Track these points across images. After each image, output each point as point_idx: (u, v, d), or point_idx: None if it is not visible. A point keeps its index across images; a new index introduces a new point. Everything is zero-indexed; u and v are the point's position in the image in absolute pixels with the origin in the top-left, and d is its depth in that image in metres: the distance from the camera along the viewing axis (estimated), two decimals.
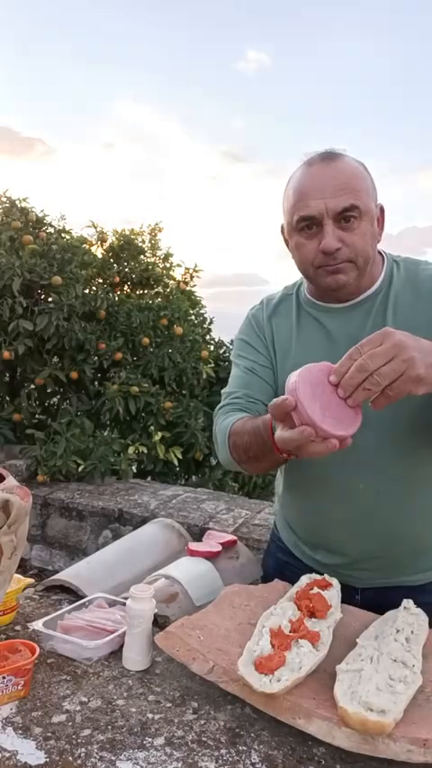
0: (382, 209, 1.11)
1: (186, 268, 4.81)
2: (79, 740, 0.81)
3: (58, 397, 4.16)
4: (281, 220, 1.15)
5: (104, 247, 4.55)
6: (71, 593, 1.28)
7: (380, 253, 1.17)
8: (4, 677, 0.88)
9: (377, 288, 1.12)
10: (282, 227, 1.15)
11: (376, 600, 1.10)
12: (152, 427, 3.98)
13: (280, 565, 1.32)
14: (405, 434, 1.09)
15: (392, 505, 1.10)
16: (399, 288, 1.11)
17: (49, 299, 3.73)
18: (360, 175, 1.06)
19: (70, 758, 0.78)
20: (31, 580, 1.19)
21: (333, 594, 1.03)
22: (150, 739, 0.82)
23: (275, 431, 0.89)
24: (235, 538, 1.43)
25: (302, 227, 1.06)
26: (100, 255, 4.48)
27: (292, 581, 1.10)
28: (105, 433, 3.79)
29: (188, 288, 4.76)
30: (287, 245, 1.15)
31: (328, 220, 1.03)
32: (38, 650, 0.93)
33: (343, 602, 1.08)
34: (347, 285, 1.08)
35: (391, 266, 1.15)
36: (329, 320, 1.15)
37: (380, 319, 1.10)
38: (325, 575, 1.09)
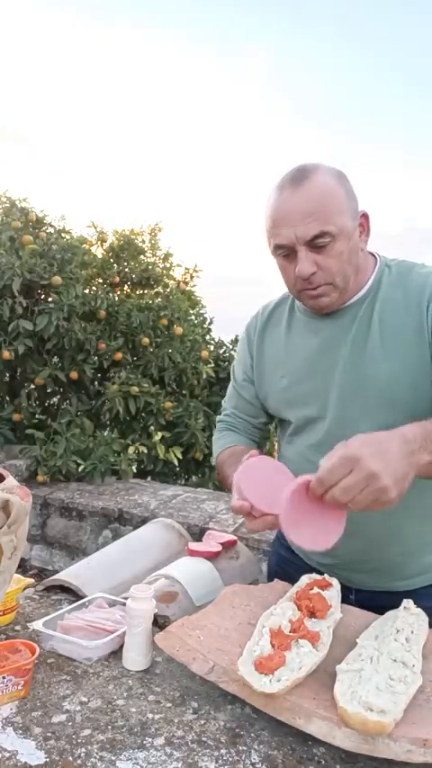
0: (365, 216, 1.09)
1: (186, 268, 4.82)
2: (79, 740, 0.81)
3: (58, 397, 4.16)
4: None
5: (104, 247, 4.56)
6: (71, 593, 1.28)
7: (372, 255, 1.16)
8: (4, 677, 0.88)
9: (364, 293, 1.12)
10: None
11: (371, 601, 1.10)
12: (152, 427, 3.98)
13: (282, 561, 1.33)
14: None
15: (379, 510, 1.09)
16: (387, 293, 1.11)
17: (49, 299, 3.73)
18: (329, 195, 1.03)
19: (70, 758, 0.78)
20: (31, 580, 1.19)
21: (333, 594, 1.03)
22: (150, 739, 0.82)
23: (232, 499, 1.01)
24: (235, 538, 1.43)
25: (279, 253, 1.08)
26: (100, 255, 4.49)
27: (294, 578, 1.11)
28: (105, 433, 3.79)
29: (188, 288, 4.76)
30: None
31: (301, 247, 1.03)
32: (38, 650, 0.93)
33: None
34: (330, 306, 1.10)
35: (382, 271, 1.13)
36: (317, 325, 1.17)
37: (365, 325, 1.10)
38: (325, 575, 1.09)
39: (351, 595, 1.18)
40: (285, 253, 1.06)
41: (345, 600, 1.13)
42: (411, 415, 1.06)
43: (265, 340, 1.27)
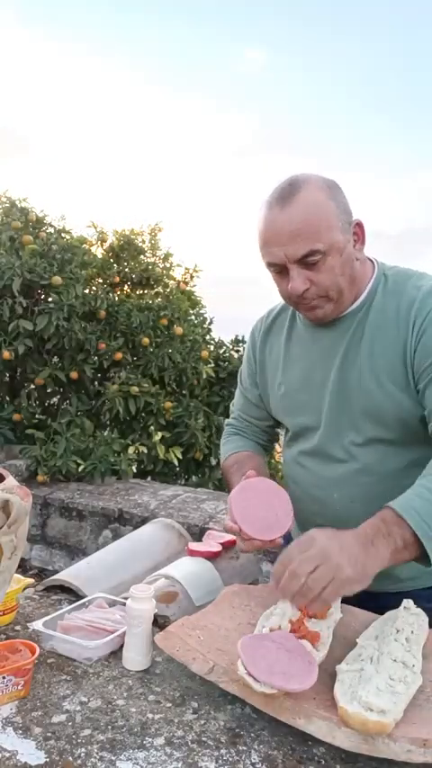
0: (359, 224, 1.08)
1: (186, 268, 4.81)
2: (79, 740, 0.81)
3: (58, 397, 4.16)
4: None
5: (104, 247, 4.56)
6: (71, 593, 1.28)
7: (371, 261, 1.15)
8: (4, 677, 0.88)
9: (360, 303, 1.11)
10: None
11: (366, 602, 1.10)
12: (152, 427, 3.98)
13: None
14: (377, 450, 1.12)
15: (366, 515, 1.09)
16: (380, 305, 1.10)
17: (49, 299, 3.73)
18: (317, 212, 1.01)
19: (70, 758, 0.78)
20: (31, 580, 1.19)
21: None
22: (150, 739, 0.82)
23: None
24: (235, 538, 1.43)
25: (272, 270, 1.09)
26: (100, 255, 4.48)
27: None
28: (105, 433, 3.79)
29: (188, 288, 4.76)
30: None
31: (292, 265, 1.04)
32: (38, 650, 0.93)
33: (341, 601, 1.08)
34: (326, 317, 1.10)
35: (379, 280, 1.12)
36: (314, 335, 1.18)
37: (357, 337, 1.11)
38: None
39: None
40: (278, 270, 1.07)
41: (345, 600, 1.13)
42: (397, 429, 1.08)
43: (266, 345, 1.28)
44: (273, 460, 4.03)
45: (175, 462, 4.01)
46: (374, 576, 1.16)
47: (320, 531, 0.91)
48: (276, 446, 1.49)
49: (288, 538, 1.03)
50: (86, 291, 3.97)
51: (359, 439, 1.12)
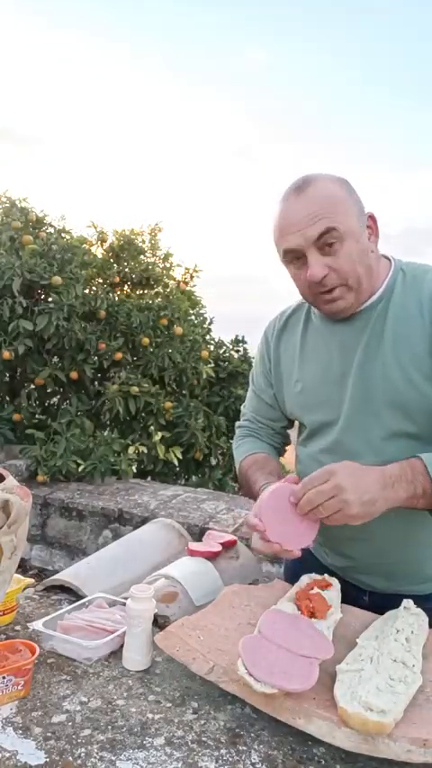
0: (372, 218, 1.09)
1: (186, 268, 4.81)
2: (79, 740, 0.81)
3: (58, 397, 4.16)
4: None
5: (104, 247, 4.56)
6: (71, 593, 1.28)
7: (387, 258, 1.15)
8: (4, 677, 0.88)
9: (377, 298, 1.11)
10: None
11: (384, 603, 1.10)
12: (152, 427, 3.98)
13: (299, 562, 1.32)
14: (400, 445, 1.10)
15: (393, 512, 1.09)
16: (400, 298, 1.10)
17: (49, 299, 3.73)
18: (334, 197, 1.04)
19: (70, 758, 0.78)
20: (31, 580, 1.19)
21: (333, 595, 1.03)
22: (150, 739, 0.82)
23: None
24: (235, 538, 1.43)
25: (290, 259, 1.08)
26: (100, 255, 4.49)
27: None
28: (105, 433, 3.79)
29: (188, 288, 4.76)
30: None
31: (311, 249, 1.03)
32: (38, 650, 0.93)
33: (351, 602, 1.08)
34: (346, 309, 1.10)
35: (396, 275, 1.12)
36: (332, 331, 1.17)
37: (378, 330, 1.10)
38: (325, 575, 1.09)
39: (365, 597, 1.19)
40: (296, 257, 1.06)
41: (358, 602, 1.13)
42: (422, 422, 1.07)
43: (281, 345, 1.28)
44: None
45: (175, 462, 4.01)
46: (394, 577, 1.16)
47: (343, 466, 0.95)
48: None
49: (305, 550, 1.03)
50: (86, 291, 3.97)
51: (383, 433, 1.10)
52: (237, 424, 1.44)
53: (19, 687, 0.89)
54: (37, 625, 1.05)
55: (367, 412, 1.10)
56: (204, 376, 4.30)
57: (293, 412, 1.27)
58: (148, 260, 4.66)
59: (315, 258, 1.03)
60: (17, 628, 1.12)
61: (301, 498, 0.95)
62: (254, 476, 1.23)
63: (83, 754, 0.78)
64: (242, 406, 1.45)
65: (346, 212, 1.04)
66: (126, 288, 4.59)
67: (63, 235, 4.24)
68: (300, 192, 1.05)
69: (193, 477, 4.36)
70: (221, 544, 1.38)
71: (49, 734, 0.82)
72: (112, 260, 4.49)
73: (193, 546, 1.37)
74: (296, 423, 1.34)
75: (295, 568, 1.33)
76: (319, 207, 1.02)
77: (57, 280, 3.60)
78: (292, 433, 1.39)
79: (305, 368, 1.21)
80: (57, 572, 1.45)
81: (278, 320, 1.31)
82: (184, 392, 4.38)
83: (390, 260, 1.15)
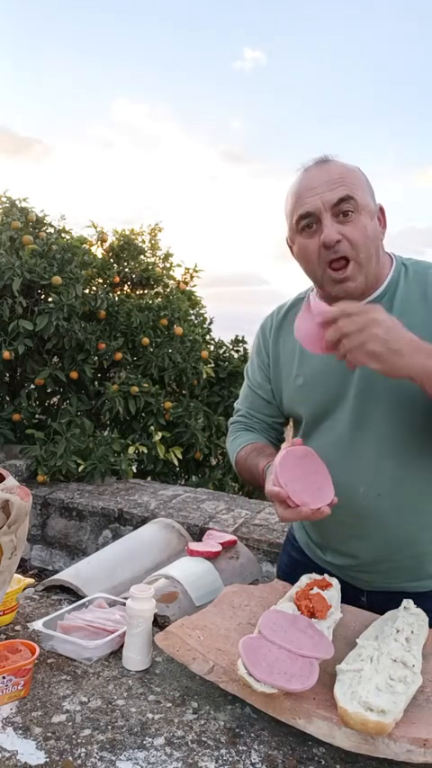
0: (382, 210, 1.11)
1: (186, 268, 4.81)
2: (79, 740, 0.81)
3: (58, 397, 4.16)
4: (284, 229, 1.16)
5: (104, 247, 4.56)
6: (71, 593, 1.28)
7: (389, 255, 1.16)
8: (4, 677, 0.88)
9: (383, 290, 1.12)
10: (287, 239, 1.17)
11: (382, 602, 1.10)
12: (152, 427, 3.98)
13: (293, 563, 1.32)
14: (406, 440, 1.09)
15: (393, 509, 1.09)
16: (405, 291, 1.11)
17: (49, 299, 3.73)
18: (354, 173, 1.08)
19: (70, 758, 0.78)
20: (31, 580, 1.19)
21: (333, 594, 1.03)
22: (150, 739, 0.82)
23: (266, 480, 1.05)
24: (235, 538, 1.43)
25: (303, 225, 1.07)
26: (100, 255, 4.48)
27: None
28: (105, 433, 3.79)
29: (188, 288, 4.76)
30: (293, 255, 1.16)
31: (326, 214, 1.04)
32: (38, 650, 0.93)
33: (349, 602, 1.08)
34: (355, 290, 1.09)
35: (399, 269, 1.13)
36: None
37: None
38: (325, 575, 1.09)
39: (363, 597, 1.19)
40: (308, 224, 1.07)
41: (356, 602, 1.13)
42: (429, 412, 1.06)
43: (279, 339, 1.27)
44: None
45: (175, 462, 4.01)
46: (394, 575, 1.16)
47: (383, 311, 0.92)
48: None
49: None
50: (86, 291, 3.97)
51: (389, 425, 1.09)
52: (230, 420, 1.43)
53: (19, 687, 0.89)
54: (37, 625, 1.05)
55: (371, 406, 1.10)
56: (204, 376, 4.29)
57: (292, 406, 1.26)
58: (148, 260, 4.66)
59: (330, 222, 1.04)
60: (17, 628, 1.12)
61: (331, 322, 0.92)
62: (254, 459, 1.21)
63: (83, 754, 0.78)
64: (235, 403, 1.43)
65: (364, 190, 1.07)
66: (126, 288, 4.60)
67: (63, 235, 4.24)
68: (323, 163, 1.08)
69: (193, 477, 4.36)
70: (221, 544, 1.38)
71: (49, 734, 0.82)
72: (112, 260, 4.49)
73: (193, 546, 1.37)
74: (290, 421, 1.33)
75: (288, 568, 1.33)
76: (340, 176, 1.05)
77: (57, 280, 3.60)
78: (288, 432, 1.39)
79: (306, 363, 1.20)
80: (57, 572, 1.45)
81: (276, 315, 1.30)
82: (184, 392, 4.38)
83: (391, 257, 1.16)
